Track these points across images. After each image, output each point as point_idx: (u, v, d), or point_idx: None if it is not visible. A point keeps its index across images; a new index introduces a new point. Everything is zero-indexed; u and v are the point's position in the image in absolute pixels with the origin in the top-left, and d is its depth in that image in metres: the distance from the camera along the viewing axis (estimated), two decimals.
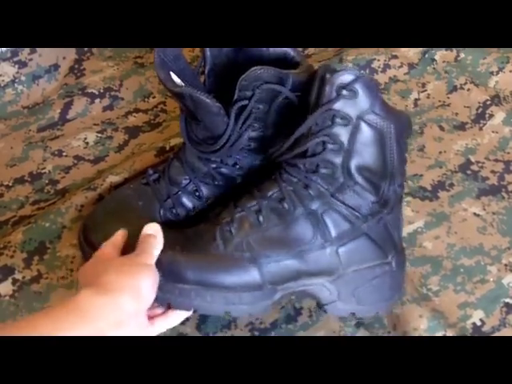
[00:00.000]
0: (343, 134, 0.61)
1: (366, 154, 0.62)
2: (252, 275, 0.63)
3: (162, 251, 0.62)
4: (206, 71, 0.68)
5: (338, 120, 0.61)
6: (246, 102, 0.64)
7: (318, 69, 0.62)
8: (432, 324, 0.68)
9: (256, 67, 0.62)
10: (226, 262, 0.63)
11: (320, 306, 0.66)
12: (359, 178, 0.63)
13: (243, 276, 0.62)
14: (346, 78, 0.60)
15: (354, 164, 0.62)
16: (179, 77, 0.64)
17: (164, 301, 0.62)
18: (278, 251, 0.63)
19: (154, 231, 0.63)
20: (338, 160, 0.62)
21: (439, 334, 0.68)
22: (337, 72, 0.60)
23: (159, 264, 0.61)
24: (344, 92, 0.60)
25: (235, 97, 0.64)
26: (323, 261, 0.64)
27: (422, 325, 0.68)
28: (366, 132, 0.61)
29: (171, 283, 0.62)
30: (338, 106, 0.61)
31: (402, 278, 0.69)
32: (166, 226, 0.69)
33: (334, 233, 0.64)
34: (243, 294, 0.62)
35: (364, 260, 0.65)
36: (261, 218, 0.63)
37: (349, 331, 0.69)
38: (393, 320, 0.70)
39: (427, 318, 0.69)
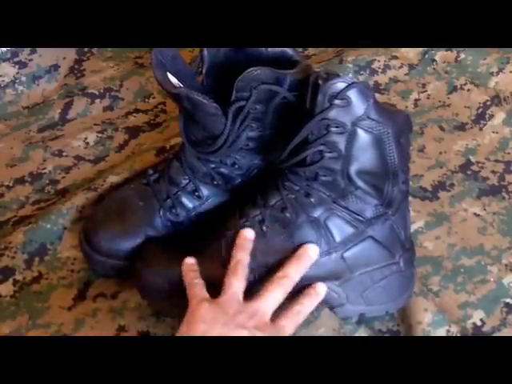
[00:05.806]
0: (340, 141, 0.60)
1: (364, 158, 0.61)
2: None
3: None
4: (204, 71, 0.68)
5: (332, 128, 0.60)
6: (243, 102, 0.64)
7: (311, 75, 0.61)
8: (437, 318, 0.68)
9: (252, 68, 0.62)
10: None
11: (330, 308, 0.66)
12: (360, 183, 0.62)
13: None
14: (337, 86, 0.58)
15: (353, 169, 0.62)
16: (177, 77, 0.64)
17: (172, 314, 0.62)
18: (283, 260, 0.63)
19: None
20: (337, 167, 0.62)
21: (443, 328, 0.67)
22: (328, 80, 0.58)
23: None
24: (336, 101, 0.58)
25: (232, 97, 0.64)
26: (329, 266, 0.64)
27: (426, 318, 0.68)
28: (362, 138, 0.60)
29: (177, 298, 0.62)
30: (331, 115, 0.59)
31: (411, 276, 0.68)
32: (171, 234, 0.70)
33: (338, 238, 0.63)
34: None
35: (371, 262, 0.65)
36: (264, 228, 0.63)
37: (349, 329, 0.68)
38: (401, 313, 0.69)
39: (432, 312, 0.68)
